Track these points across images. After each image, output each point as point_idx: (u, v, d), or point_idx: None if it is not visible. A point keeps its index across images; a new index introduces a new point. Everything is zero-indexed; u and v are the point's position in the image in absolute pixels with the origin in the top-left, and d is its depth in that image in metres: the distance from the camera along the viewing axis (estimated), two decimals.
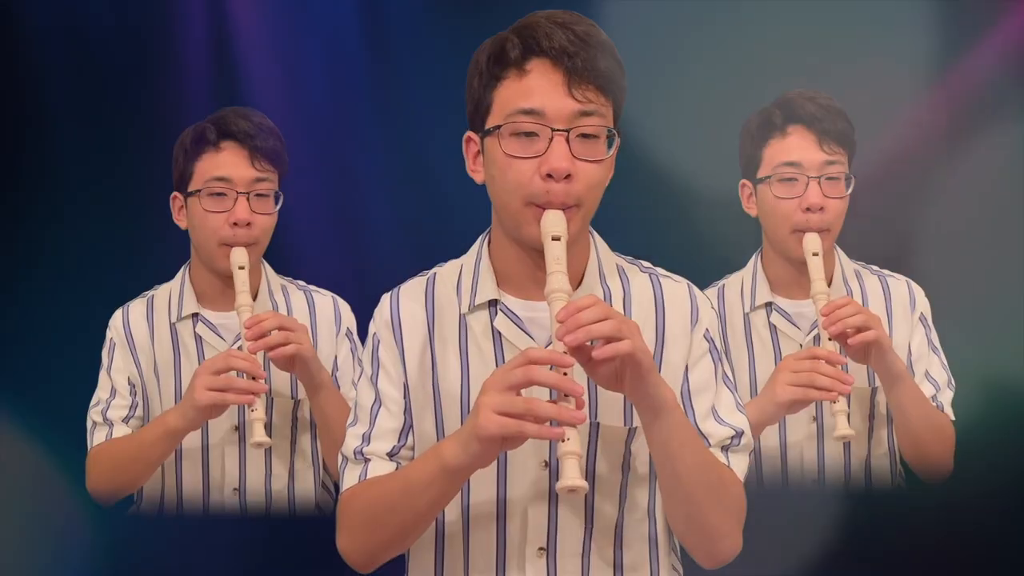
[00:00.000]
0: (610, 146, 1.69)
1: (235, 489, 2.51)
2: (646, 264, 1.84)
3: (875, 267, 2.55)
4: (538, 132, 1.65)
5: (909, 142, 3.33)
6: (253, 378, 2.31)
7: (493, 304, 1.76)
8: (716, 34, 3.26)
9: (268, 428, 2.41)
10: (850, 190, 2.41)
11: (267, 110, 2.57)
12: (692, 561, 1.80)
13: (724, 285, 2.58)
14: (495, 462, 1.70)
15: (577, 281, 1.75)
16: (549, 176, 1.64)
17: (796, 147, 2.39)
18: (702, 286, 2.09)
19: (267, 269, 2.58)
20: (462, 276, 1.80)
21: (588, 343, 1.57)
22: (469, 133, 1.76)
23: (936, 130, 3.34)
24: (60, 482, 2.74)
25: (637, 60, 1.83)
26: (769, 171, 2.42)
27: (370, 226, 3.43)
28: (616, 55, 1.69)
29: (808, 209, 2.37)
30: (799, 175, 2.38)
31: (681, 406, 1.70)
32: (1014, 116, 3.24)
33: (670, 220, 3.25)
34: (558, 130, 1.65)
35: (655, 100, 2.99)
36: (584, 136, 1.66)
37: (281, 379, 2.50)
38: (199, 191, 2.44)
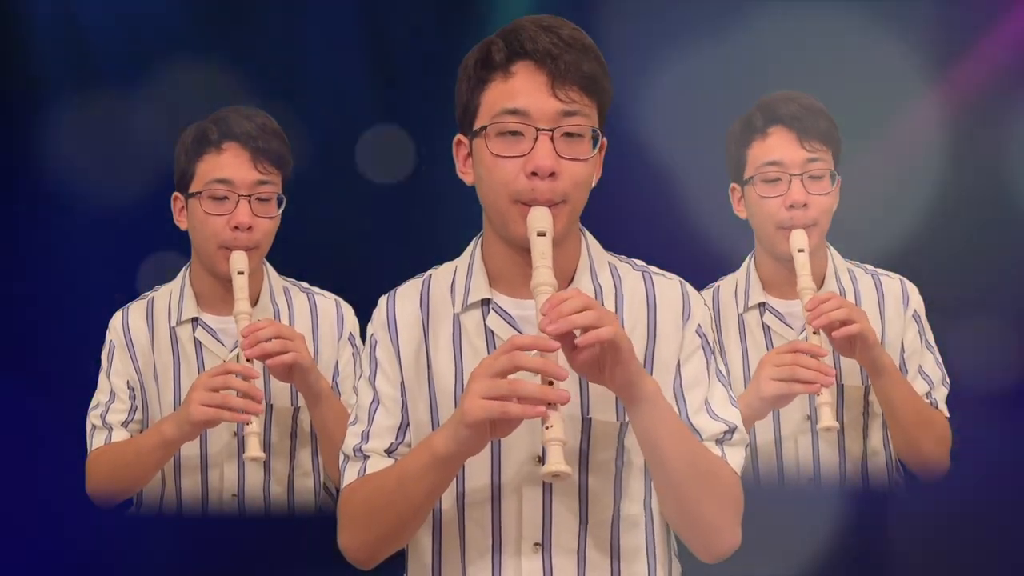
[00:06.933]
0: (595, 145, 1.72)
1: (233, 495, 2.50)
2: (639, 262, 1.86)
3: (869, 266, 2.57)
4: (523, 132, 1.69)
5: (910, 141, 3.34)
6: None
7: (486, 303, 1.79)
8: (718, 34, 3.27)
9: (266, 439, 2.41)
10: (835, 187, 2.44)
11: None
12: (693, 559, 1.80)
13: (719, 287, 2.61)
14: (488, 456, 1.73)
15: (568, 278, 1.78)
16: (534, 174, 1.68)
17: (777, 146, 2.43)
18: (699, 287, 2.08)
19: (269, 271, 2.56)
20: (456, 277, 1.82)
21: (572, 333, 1.59)
22: (459, 136, 1.79)
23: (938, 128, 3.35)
24: (61, 482, 2.75)
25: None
26: (753, 172, 2.45)
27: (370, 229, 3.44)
28: (601, 58, 1.72)
29: (792, 206, 2.40)
30: (782, 173, 2.42)
31: (668, 399, 1.72)
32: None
33: (669, 222, 3.25)
34: (542, 129, 1.68)
35: (655, 98, 3.00)
36: (569, 135, 1.70)
37: (280, 385, 2.47)
38: (200, 193, 2.41)
